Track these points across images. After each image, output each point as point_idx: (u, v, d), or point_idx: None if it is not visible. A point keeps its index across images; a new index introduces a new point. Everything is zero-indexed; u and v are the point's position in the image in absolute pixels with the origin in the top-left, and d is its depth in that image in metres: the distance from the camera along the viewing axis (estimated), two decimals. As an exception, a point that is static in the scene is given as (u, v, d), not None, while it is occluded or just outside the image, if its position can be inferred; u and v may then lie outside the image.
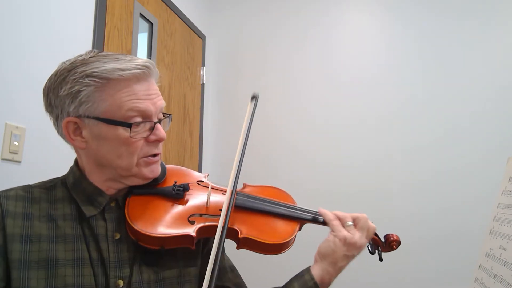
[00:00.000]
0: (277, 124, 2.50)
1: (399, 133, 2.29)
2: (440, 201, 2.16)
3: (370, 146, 2.32)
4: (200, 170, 2.46)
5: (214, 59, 2.71)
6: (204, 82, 2.58)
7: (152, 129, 0.76)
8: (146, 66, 0.75)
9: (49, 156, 1.35)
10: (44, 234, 0.72)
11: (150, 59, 1.96)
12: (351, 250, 0.81)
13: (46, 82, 0.77)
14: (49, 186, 0.79)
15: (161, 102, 0.79)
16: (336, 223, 0.83)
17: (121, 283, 0.72)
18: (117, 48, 1.73)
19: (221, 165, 2.58)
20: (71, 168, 0.82)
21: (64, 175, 0.82)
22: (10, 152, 1.20)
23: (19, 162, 1.24)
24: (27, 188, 0.77)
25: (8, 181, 1.19)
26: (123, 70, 0.72)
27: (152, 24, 2.03)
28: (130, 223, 0.74)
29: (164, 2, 2.15)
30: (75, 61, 0.75)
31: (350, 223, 0.83)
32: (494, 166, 1.96)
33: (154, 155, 0.79)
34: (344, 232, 0.81)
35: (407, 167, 2.24)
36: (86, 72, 0.72)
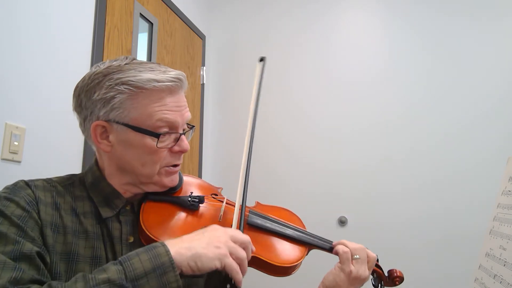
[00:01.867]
0: (277, 125, 2.50)
1: (400, 136, 2.29)
2: (441, 203, 2.16)
3: (370, 150, 2.32)
4: (200, 171, 2.46)
5: (214, 59, 2.71)
6: (204, 82, 2.58)
7: (177, 140, 0.79)
8: (180, 79, 0.77)
9: (49, 156, 1.35)
10: (69, 226, 0.72)
11: (150, 59, 1.97)
12: (354, 283, 0.82)
13: (79, 83, 0.78)
14: (68, 184, 0.80)
15: (188, 114, 0.81)
16: (347, 257, 0.84)
17: None
18: (117, 48, 1.73)
19: (221, 165, 2.58)
20: (91, 167, 0.82)
21: (82, 173, 0.83)
22: (10, 152, 1.20)
23: (19, 162, 1.24)
24: (50, 181, 0.78)
25: (8, 181, 1.19)
26: (158, 81, 0.74)
27: (152, 24, 2.03)
28: (144, 229, 0.75)
29: (164, 2, 2.14)
30: (110, 66, 0.76)
31: (358, 256, 0.84)
32: (495, 168, 1.96)
33: (175, 165, 0.81)
34: (351, 267, 0.83)
35: (408, 170, 2.24)
36: (122, 80, 0.73)
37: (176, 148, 0.79)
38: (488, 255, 0.81)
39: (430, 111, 2.25)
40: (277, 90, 2.54)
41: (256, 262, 0.79)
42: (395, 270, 0.90)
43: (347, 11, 2.50)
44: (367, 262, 0.85)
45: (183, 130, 0.81)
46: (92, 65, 1.56)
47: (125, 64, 0.76)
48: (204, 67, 2.59)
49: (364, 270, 0.83)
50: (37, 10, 1.33)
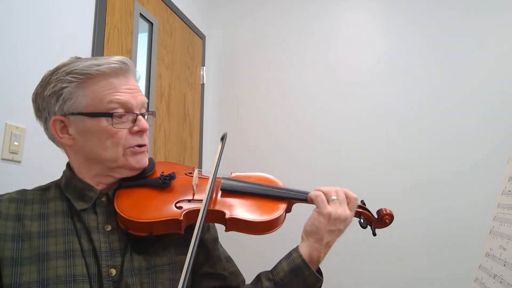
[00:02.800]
0: (276, 125, 2.50)
1: (400, 135, 2.28)
2: (441, 203, 2.16)
3: (370, 149, 2.32)
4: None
5: (214, 59, 2.71)
6: (204, 82, 2.58)
7: (134, 120, 0.80)
8: (122, 62, 0.80)
9: (49, 156, 1.34)
10: (35, 231, 0.75)
11: (150, 59, 1.98)
12: (336, 224, 0.81)
13: (33, 91, 0.83)
14: (44, 188, 0.84)
15: (141, 97, 0.83)
16: (321, 198, 0.83)
17: (113, 271, 0.75)
18: (117, 48, 1.73)
19: (221, 165, 2.57)
20: (64, 171, 0.86)
21: (59, 179, 0.86)
22: (10, 152, 1.20)
23: (19, 162, 1.24)
24: (21, 191, 0.81)
25: (8, 181, 1.19)
26: (100, 65, 0.77)
27: (152, 24, 2.03)
28: (119, 211, 0.77)
29: (164, 2, 2.14)
30: (57, 66, 0.81)
31: (335, 197, 0.83)
32: (495, 168, 1.96)
33: (140, 146, 0.82)
34: (328, 208, 0.81)
35: (409, 170, 2.24)
36: (66, 71, 0.78)
37: (135, 128, 0.80)
38: (488, 255, 0.81)
39: (430, 110, 2.25)
40: (277, 90, 2.54)
41: (236, 224, 0.80)
42: (384, 208, 0.88)
43: (347, 11, 2.50)
44: (347, 203, 0.83)
45: (141, 113, 0.82)
46: (92, 65, 1.56)
47: (72, 62, 0.81)
48: (204, 67, 2.59)
49: (343, 210, 0.81)
50: (37, 10, 1.33)
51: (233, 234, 0.82)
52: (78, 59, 0.81)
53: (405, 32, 2.35)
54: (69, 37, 1.47)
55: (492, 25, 2.21)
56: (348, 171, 2.34)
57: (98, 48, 1.59)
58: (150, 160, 0.87)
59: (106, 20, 1.66)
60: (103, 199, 0.81)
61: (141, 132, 0.81)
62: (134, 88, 0.82)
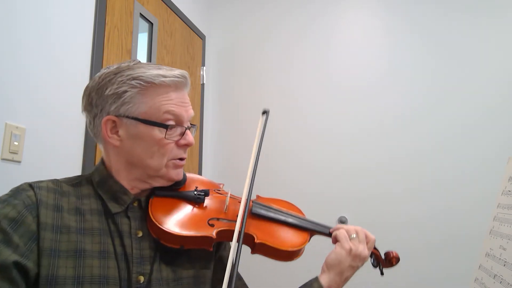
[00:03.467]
0: (277, 126, 2.50)
1: (400, 136, 2.28)
2: (441, 204, 2.16)
3: (371, 150, 2.31)
4: (200, 170, 2.46)
5: (214, 59, 2.71)
6: (204, 82, 2.58)
7: (182, 134, 0.83)
8: (184, 77, 0.83)
9: (49, 156, 1.35)
10: (73, 226, 0.74)
11: (150, 59, 1.98)
12: (355, 261, 0.87)
13: (89, 83, 0.82)
14: (75, 183, 0.82)
15: (191, 112, 0.86)
16: (344, 234, 0.90)
17: (141, 279, 0.75)
18: (117, 48, 1.73)
19: (221, 165, 2.58)
20: (97, 167, 0.85)
21: (89, 174, 0.85)
22: (10, 152, 1.20)
23: (19, 162, 1.24)
24: (56, 182, 0.80)
25: (8, 181, 1.19)
26: (165, 77, 0.80)
27: (152, 24, 2.03)
28: (154, 221, 0.78)
29: (164, 2, 2.15)
30: (120, 66, 0.81)
31: (354, 235, 0.89)
32: (495, 168, 1.96)
33: (181, 159, 0.85)
34: (349, 244, 0.88)
35: (409, 170, 2.24)
36: (133, 75, 0.79)
37: (182, 141, 0.83)
38: (488, 255, 0.81)
39: (431, 111, 2.25)
40: (277, 90, 2.54)
41: (262, 249, 0.83)
42: (391, 251, 0.97)
43: (348, 11, 2.50)
44: (367, 243, 0.90)
45: (188, 126, 0.85)
46: (92, 64, 1.56)
47: (134, 64, 0.82)
48: (204, 67, 2.60)
49: (363, 249, 0.88)
50: (36, 10, 1.33)
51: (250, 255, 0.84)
52: (140, 63, 0.83)
53: (406, 33, 2.35)
54: (69, 37, 1.47)
55: (494, 25, 2.21)
56: (348, 172, 2.34)
57: (98, 48, 1.59)
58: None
59: (106, 20, 1.66)
60: (135, 204, 0.82)
61: (186, 146, 0.84)
62: (187, 102, 0.85)
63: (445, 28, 2.28)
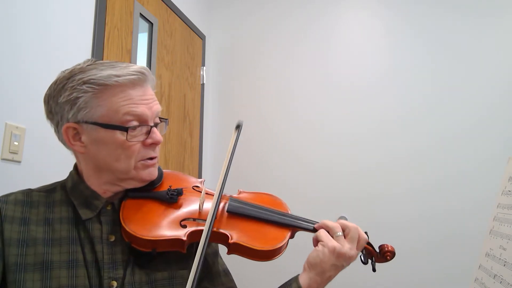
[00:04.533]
0: (276, 126, 2.50)
1: (400, 136, 2.28)
2: (441, 204, 2.16)
3: (371, 150, 2.31)
4: (200, 170, 2.46)
5: (214, 59, 2.71)
6: (204, 82, 2.58)
7: (148, 132, 0.79)
8: (141, 72, 0.78)
9: (49, 156, 1.35)
10: (40, 237, 0.74)
11: (150, 59, 1.98)
12: (340, 260, 0.80)
13: (47, 91, 0.80)
14: (49, 189, 0.82)
15: (157, 107, 0.82)
16: (324, 233, 0.82)
17: (114, 284, 0.74)
18: (117, 48, 1.73)
19: (221, 165, 2.57)
20: (70, 173, 0.84)
21: (64, 180, 0.85)
22: (10, 152, 1.20)
23: (19, 162, 1.24)
24: (27, 192, 0.80)
25: (8, 181, 1.19)
26: (118, 76, 0.75)
27: (152, 24, 2.03)
28: (124, 225, 0.76)
29: (164, 2, 2.14)
30: (73, 69, 0.78)
31: (340, 233, 0.82)
32: (495, 168, 1.96)
33: (151, 158, 0.82)
34: (333, 242, 0.80)
35: (409, 171, 2.24)
36: (83, 79, 0.75)
37: (148, 140, 0.79)
38: (488, 255, 0.81)
39: (431, 111, 2.25)
40: (277, 90, 2.54)
41: (238, 249, 0.79)
42: (386, 245, 0.87)
43: (348, 11, 2.50)
44: (357, 242, 0.83)
45: (155, 123, 0.81)
46: (92, 65, 1.56)
47: (87, 65, 0.78)
48: (204, 67, 2.59)
49: (350, 248, 0.81)
50: (37, 10, 1.33)
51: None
52: (95, 63, 0.79)
53: (406, 33, 2.35)
54: (69, 37, 1.46)
55: (494, 25, 2.20)
56: (348, 171, 2.34)
57: (98, 48, 1.59)
58: (158, 170, 0.87)
59: (106, 20, 1.66)
60: (108, 208, 0.81)
61: (154, 144, 0.81)
62: (150, 98, 0.80)
63: (445, 28, 2.28)
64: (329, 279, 0.81)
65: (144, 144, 0.79)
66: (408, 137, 2.27)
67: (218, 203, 0.76)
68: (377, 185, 2.27)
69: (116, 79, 0.75)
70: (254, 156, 2.48)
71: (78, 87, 0.74)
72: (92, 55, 1.57)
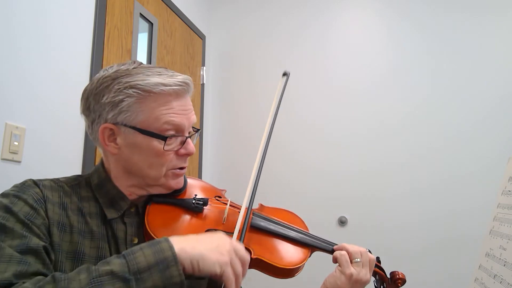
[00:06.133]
0: (276, 127, 2.48)
1: (401, 136, 2.28)
2: (441, 204, 2.16)
3: (371, 151, 2.32)
4: (200, 171, 2.46)
5: (214, 59, 2.71)
6: (204, 82, 2.58)
7: (183, 143, 0.80)
8: (186, 83, 0.79)
9: (49, 156, 1.35)
10: (76, 226, 0.74)
11: (150, 59, 1.97)
12: (356, 286, 0.83)
13: (87, 86, 0.80)
14: (74, 184, 0.81)
15: (193, 118, 0.82)
16: (346, 259, 0.85)
17: None
18: (117, 48, 1.73)
19: (221, 165, 2.58)
20: (97, 168, 0.84)
21: (88, 174, 0.84)
22: (10, 152, 1.20)
23: (19, 162, 1.24)
24: (57, 181, 0.79)
25: (8, 181, 1.19)
26: (165, 85, 0.76)
27: (152, 24, 2.03)
28: (149, 231, 0.76)
29: (164, 2, 2.14)
30: (118, 70, 0.78)
31: (359, 260, 0.85)
32: (495, 168, 1.96)
33: (181, 168, 0.83)
34: (351, 269, 0.83)
35: (409, 171, 2.24)
36: (130, 83, 0.75)
37: (182, 151, 0.80)
38: (488, 255, 0.81)
39: (431, 112, 2.25)
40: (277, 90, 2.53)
41: (259, 264, 0.80)
42: (397, 272, 0.90)
43: (347, 11, 2.50)
44: (369, 266, 0.86)
45: (189, 133, 0.82)
46: (92, 64, 1.56)
47: (133, 68, 0.78)
48: (204, 67, 2.59)
49: (365, 274, 0.84)
50: (36, 10, 1.33)
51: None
52: (140, 67, 0.79)
53: (406, 32, 2.35)
54: (69, 37, 1.47)
55: (495, 25, 2.20)
56: (348, 172, 2.34)
57: (98, 48, 1.59)
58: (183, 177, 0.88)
59: (106, 20, 1.66)
60: (132, 210, 0.81)
61: (186, 155, 0.82)
62: (189, 108, 0.81)
63: (446, 28, 2.28)
64: None
65: (177, 153, 0.80)
66: (408, 138, 2.27)
67: (248, 218, 0.77)
68: (377, 186, 2.27)
69: (162, 87, 0.75)
70: (255, 155, 2.47)
71: (124, 90, 0.75)
72: (92, 55, 1.57)
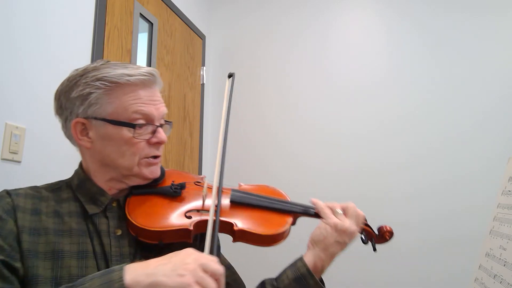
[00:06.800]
0: (275, 127, 2.50)
1: (400, 136, 2.28)
2: (441, 204, 2.16)
3: (371, 151, 2.31)
4: (200, 170, 2.46)
5: (214, 59, 2.71)
6: (204, 82, 2.58)
7: (154, 132, 0.83)
8: (152, 74, 0.83)
9: (49, 156, 1.35)
10: (51, 228, 0.76)
11: (150, 59, 1.98)
12: (342, 236, 0.83)
13: (58, 87, 0.83)
14: (55, 188, 0.84)
15: (163, 109, 0.85)
16: (327, 211, 0.87)
17: None
18: (117, 48, 1.73)
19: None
20: (76, 171, 0.86)
21: (69, 178, 0.87)
22: (10, 152, 1.20)
23: (19, 162, 1.24)
24: (35, 188, 0.82)
25: (8, 181, 1.19)
26: (130, 75, 0.79)
27: (152, 24, 2.03)
28: (130, 219, 0.78)
29: (164, 2, 2.14)
30: (87, 67, 0.81)
31: (340, 211, 0.87)
32: (495, 168, 1.96)
33: (155, 157, 0.85)
34: (334, 219, 0.85)
35: (409, 171, 2.24)
36: (97, 76, 0.79)
37: (153, 139, 0.83)
38: (488, 255, 0.81)
39: (431, 111, 2.25)
40: (277, 90, 2.54)
41: (243, 235, 0.82)
42: (385, 226, 0.92)
43: (347, 11, 2.50)
44: (356, 218, 0.87)
45: (160, 124, 0.85)
46: (92, 65, 1.56)
47: (101, 64, 0.82)
48: (204, 67, 2.59)
49: (350, 224, 0.85)
50: (36, 10, 1.33)
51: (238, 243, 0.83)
52: (108, 63, 0.82)
53: (406, 33, 2.35)
54: (69, 37, 1.46)
55: (495, 25, 2.20)
56: (348, 173, 2.34)
57: (98, 48, 1.59)
58: (161, 169, 0.89)
59: (106, 20, 1.66)
60: (114, 204, 0.83)
61: (158, 144, 0.84)
62: (158, 99, 0.84)
63: (445, 27, 2.28)
64: (333, 255, 0.84)
65: (149, 142, 0.82)
66: (408, 138, 2.27)
67: (221, 183, 0.79)
68: (377, 186, 2.26)
69: (127, 78, 0.79)
70: (254, 156, 2.48)
71: (91, 83, 0.78)
72: (92, 55, 1.57)
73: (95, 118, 0.79)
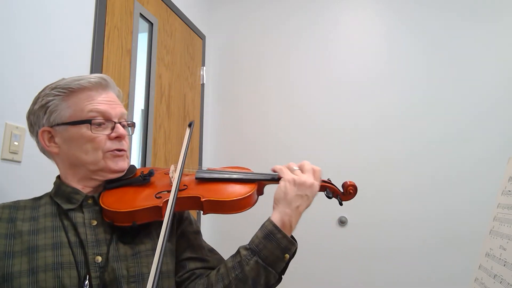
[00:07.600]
0: (276, 125, 2.50)
1: (400, 135, 2.28)
2: (441, 203, 2.16)
3: (370, 149, 2.31)
4: (200, 170, 2.46)
5: (214, 59, 2.71)
6: (204, 82, 2.58)
7: (113, 128, 0.89)
8: (102, 78, 0.90)
9: (49, 156, 1.35)
10: (26, 230, 0.81)
11: (150, 59, 1.98)
12: (301, 189, 0.88)
13: (27, 113, 0.91)
14: (36, 198, 0.91)
15: (121, 109, 0.92)
16: (285, 170, 0.92)
17: (99, 258, 0.80)
18: (117, 48, 1.73)
19: (221, 165, 2.57)
20: (54, 182, 0.92)
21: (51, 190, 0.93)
22: (10, 152, 1.20)
23: (19, 162, 1.24)
24: (16, 201, 0.88)
25: (8, 181, 1.19)
26: (80, 80, 0.88)
27: (152, 24, 2.03)
28: (103, 206, 0.84)
29: (164, 2, 2.15)
30: (46, 86, 0.90)
31: (296, 168, 0.93)
32: (495, 168, 1.96)
33: (119, 150, 0.90)
34: (291, 175, 0.90)
35: (409, 170, 2.24)
36: (51, 87, 0.88)
37: (113, 134, 0.89)
38: (488, 255, 0.81)
39: (430, 110, 2.25)
40: (277, 90, 2.54)
41: (211, 206, 0.87)
42: (347, 181, 0.98)
43: (347, 11, 2.50)
44: (312, 172, 0.92)
45: (121, 123, 0.91)
46: (92, 64, 1.56)
47: (57, 80, 0.90)
48: (204, 67, 2.60)
49: (307, 177, 0.90)
50: (37, 10, 1.33)
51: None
52: (63, 78, 0.91)
53: (405, 32, 2.35)
54: (69, 37, 1.47)
55: (492, 25, 2.21)
56: (347, 172, 2.33)
57: (98, 48, 1.59)
58: (132, 166, 0.96)
59: (106, 20, 1.66)
60: (89, 201, 0.88)
61: (119, 138, 0.89)
62: (113, 100, 0.91)
63: (443, 27, 2.28)
64: (299, 209, 0.88)
65: (109, 137, 0.88)
66: (407, 136, 2.27)
67: (183, 164, 0.86)
68: (375, 184, 2.27)
69: (78, 82, 0.87)
70: (255, 155, 2.48)
71: (48, 92, 0.87)
72: (92, 55, 1.57)
73: (58, 124, 0.86)
